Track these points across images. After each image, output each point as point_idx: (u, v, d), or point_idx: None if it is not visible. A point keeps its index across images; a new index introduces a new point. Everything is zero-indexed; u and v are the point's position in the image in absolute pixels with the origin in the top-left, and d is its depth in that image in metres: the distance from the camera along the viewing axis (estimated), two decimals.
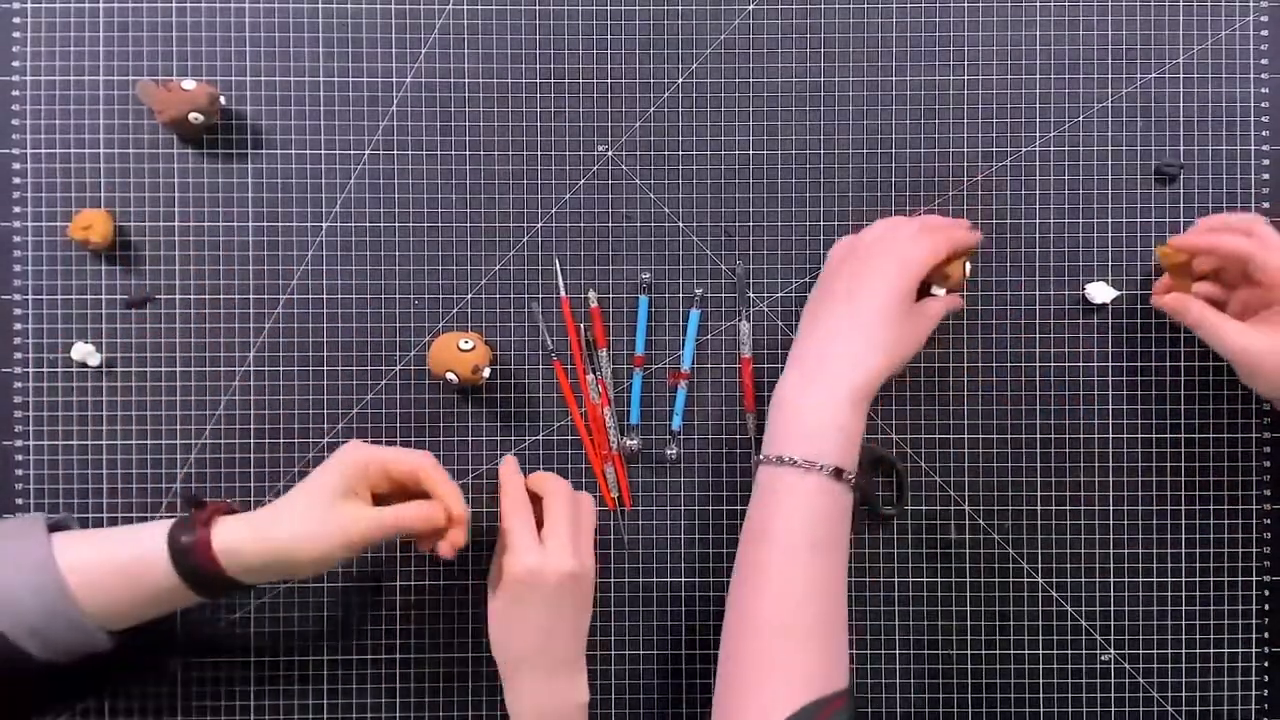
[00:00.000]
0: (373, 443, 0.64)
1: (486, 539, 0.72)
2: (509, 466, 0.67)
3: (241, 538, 0.59)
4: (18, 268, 0.71)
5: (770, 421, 0.65)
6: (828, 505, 0.62)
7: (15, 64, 0.71)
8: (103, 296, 0.71)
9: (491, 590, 0.65)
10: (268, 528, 0.60)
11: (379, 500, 0.64)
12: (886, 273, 0.64)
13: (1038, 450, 0.72)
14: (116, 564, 0.60)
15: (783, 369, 0.66)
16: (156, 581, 0.59)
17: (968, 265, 0.68)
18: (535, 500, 0.66)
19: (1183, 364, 0.72)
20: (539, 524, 0.65)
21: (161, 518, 0.66)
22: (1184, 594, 0.72)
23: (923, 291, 0.67)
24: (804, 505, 0.62)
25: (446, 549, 0.63)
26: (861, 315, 0.63)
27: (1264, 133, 0.72)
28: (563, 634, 0.64)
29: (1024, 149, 0.72)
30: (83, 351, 0.71)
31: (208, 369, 0.72)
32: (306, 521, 0.60)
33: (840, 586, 0.62)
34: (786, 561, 0.61)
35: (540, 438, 0.72)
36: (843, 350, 0.63)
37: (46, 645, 0.59)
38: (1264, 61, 0.72)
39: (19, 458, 0.71)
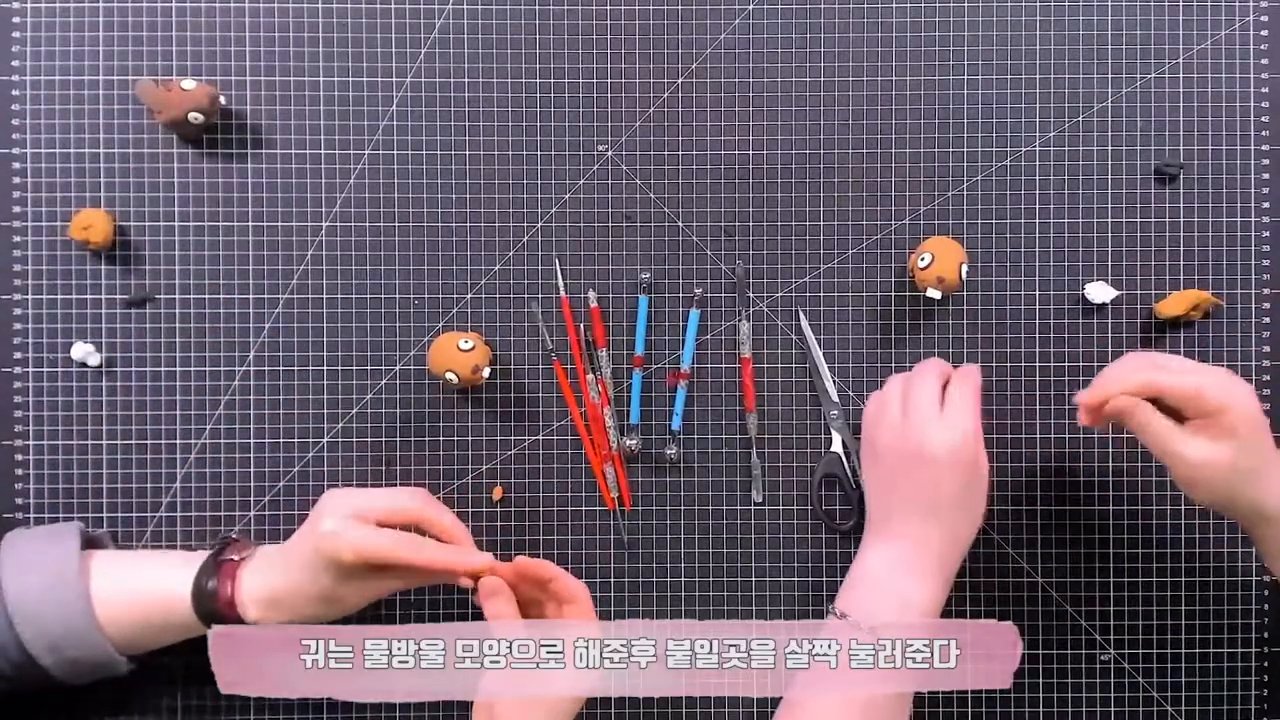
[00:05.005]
0: (357, 486, 0.65)
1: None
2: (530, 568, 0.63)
3: (262, 607, 0.61)
4: (18, 268, 0.71)
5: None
6: None
7: (15, 64, 0.71)
8: (103, 296, 0.71)
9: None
10: (284, 605, 0.61)
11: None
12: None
13: (1037, 450, 0.73)
14: (141, 596, 0.61)
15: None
16: (178, 621, 0.62)
17: (964, 268, 0.68)
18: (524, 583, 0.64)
19: None
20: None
21: (192, 547, 0.68)
22: (1184, 594, 0.72)
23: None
24: None
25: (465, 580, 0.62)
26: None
27: (1264, 133, 0.72)
28: None
29: (1024, 149, 0.72)
30: (83, 351, 0.71)
31: (208, 369, 0.72)
32: (317, 605, 0.61)
33: None
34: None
35: (540, 438, 0.72)
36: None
37: (63, 665, 0.60)
38: (1264, 61, 0.72)
39: (19, 458, 0.71)
